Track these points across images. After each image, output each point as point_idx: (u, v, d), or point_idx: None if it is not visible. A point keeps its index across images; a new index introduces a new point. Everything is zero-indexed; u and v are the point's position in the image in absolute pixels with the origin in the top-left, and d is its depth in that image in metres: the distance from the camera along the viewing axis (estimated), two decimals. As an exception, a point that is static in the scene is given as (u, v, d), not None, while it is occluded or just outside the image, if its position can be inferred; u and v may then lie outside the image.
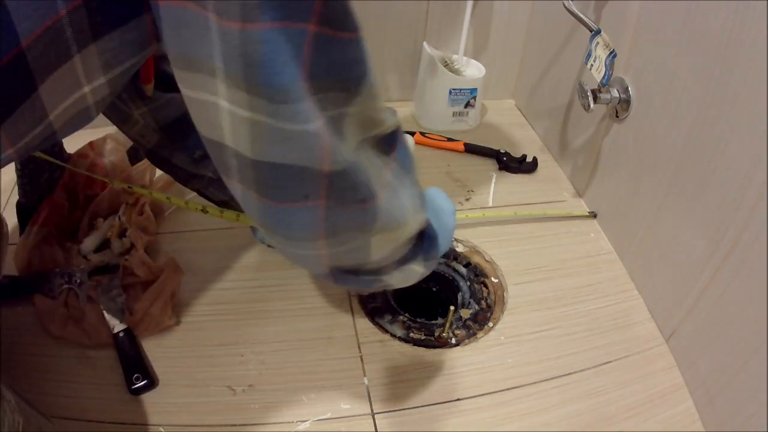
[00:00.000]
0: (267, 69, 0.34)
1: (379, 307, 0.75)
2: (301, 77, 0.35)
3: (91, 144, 0.81)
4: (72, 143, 0.78)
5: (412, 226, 0.49)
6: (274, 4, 0.33)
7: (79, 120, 0.43)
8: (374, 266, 0.50)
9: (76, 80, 0.40)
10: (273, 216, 0.42)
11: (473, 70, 1.08)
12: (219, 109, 0.37)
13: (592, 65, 0.81)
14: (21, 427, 0.43)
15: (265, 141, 0.37)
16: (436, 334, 0.73)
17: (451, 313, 0.72)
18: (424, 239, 0.53)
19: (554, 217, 0.90)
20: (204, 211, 0.74)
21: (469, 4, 1.01)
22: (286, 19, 0.34)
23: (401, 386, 0.66)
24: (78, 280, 0.70)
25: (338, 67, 0.38)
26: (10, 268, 0.70)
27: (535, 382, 0.68)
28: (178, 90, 0.67)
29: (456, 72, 1.06)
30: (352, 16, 0.37)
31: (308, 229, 0.42)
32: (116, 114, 0.65)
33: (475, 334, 0.74)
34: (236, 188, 0.41)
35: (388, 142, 0.45)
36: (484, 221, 0.88)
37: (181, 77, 0.38)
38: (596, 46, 0.79)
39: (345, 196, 0.41)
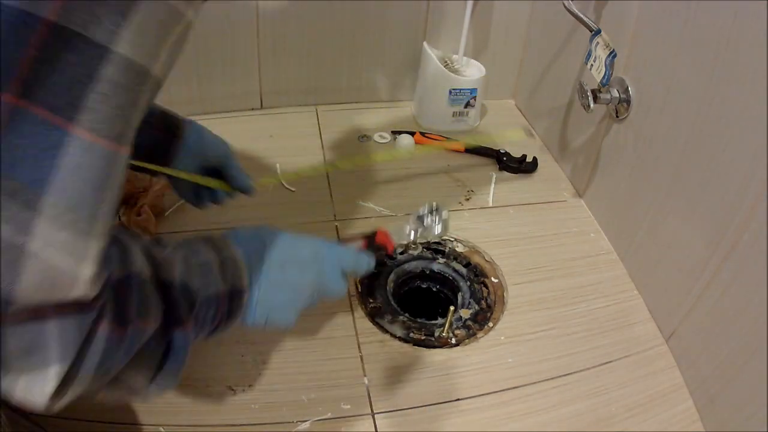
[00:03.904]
0: None
1: (379, 307, 0.75)
2: None
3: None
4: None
5: None
6: None
7: None
8: None
9: None
10: None
11: (473, 70, 1.08)
12: None
13: (592, 65, 0.81)
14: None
15: None
16: (436, 334, 0.73)
17: (451, 313, 0.72)
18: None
19: (554, 218, 0.91)
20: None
21: (469, 4, 1.01)
22: None
23: (401, 386, 0.66)
24: (78, 280, 0.69)
25: None
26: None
27: (535, 382, 0.68)
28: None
29: (456, 72, 1.06)
30: None
31: None
32: None
33: (475, 334, 0.74)
34: None
35: None
36: (485, 221, 0.88)
37: None
38: (596, 46, 0.79)
39: None
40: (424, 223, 0.65)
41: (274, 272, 0.52)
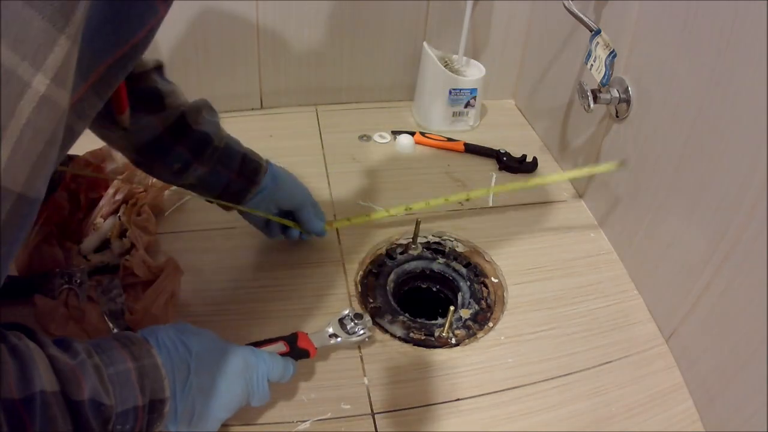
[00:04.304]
0: None
1: (379, 307, 0.75)
2: None
3: (93, 153, 0.81)
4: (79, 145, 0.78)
5: None
6: None
7: None
8: None
9: None
10: None
11: (473, 70, 1.08)
12: None
13: (592, 65, 0.81)
14: None
15: None
16: (436, 334, 0.73)
17: (451, 313, 0.72)
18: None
19: (554, 218, 0.90)
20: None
21: (469, 4, 1.01)
22: None
23: (401, 386, 0.66)
24: (78, 280, 0.70)
25: None
26: (10, 268, 0.70)
27: (535, 382, 0.68)
28: (156, 110, 0.64)
29: (456, 72, 1.06)
30: None
31: None
32: (97, 131, 0.65)
33: (475, 334, 0.74)
34: None
35: None
36: (485, 221, 0.88)
37: None
38: (596, 46, 0.79)
39: None
40: (347, 328, 0.66)
41: (202, 381, 0.51)
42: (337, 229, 0.85)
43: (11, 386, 0.35)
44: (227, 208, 0.73)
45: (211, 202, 0.72)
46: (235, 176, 0.70)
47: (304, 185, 0.77)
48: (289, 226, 0.77)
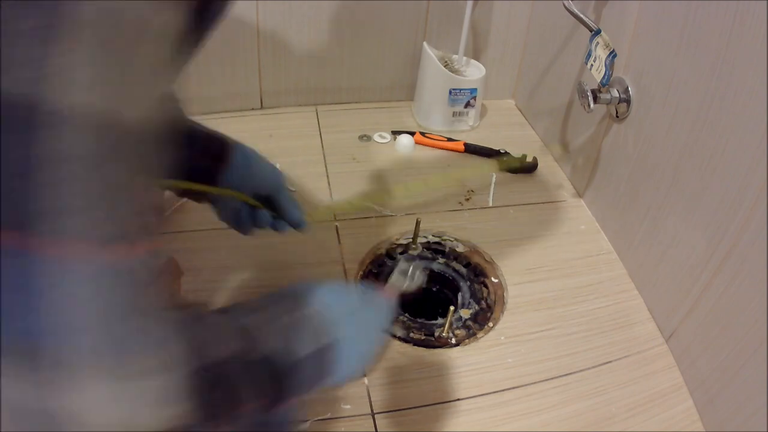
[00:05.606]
0: None
1: (379, 307, 0.75)
2: None
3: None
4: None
5: None
6: None
7: None
8: None
9: None
10: None
11: (473, 70, 1.08)
12: None
13: (592, 65, 0.81)
14: None
15: None
16: (436, 334, 0.73)
17: (451, 313, 0.72)
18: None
19: (554, 218, 0.91)
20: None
21: (469, 4, 1.02)
22: None
23: (401, 386, 0.66)
24: (78, 280, 0.69)
25: None
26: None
27: (535, 382, 0.68)
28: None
29: (456, 72, 1.06)
30: None
31: None
32: None
33: (475, 334, 0.74)
34: None
35: None
36: (485, 221, 0.88)
37: None
38: (596, 46, 0.79)
39: None
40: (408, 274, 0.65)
41: (358, 325, 0.51)
42: (337, 229, 0.85)
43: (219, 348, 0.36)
44: (198, 199, 0.66)
45: (185, 188, 0.64)
46: (202, 158, 0.63)
47: (278, 169, 0.69)
48: (261, 215, 0.67)
